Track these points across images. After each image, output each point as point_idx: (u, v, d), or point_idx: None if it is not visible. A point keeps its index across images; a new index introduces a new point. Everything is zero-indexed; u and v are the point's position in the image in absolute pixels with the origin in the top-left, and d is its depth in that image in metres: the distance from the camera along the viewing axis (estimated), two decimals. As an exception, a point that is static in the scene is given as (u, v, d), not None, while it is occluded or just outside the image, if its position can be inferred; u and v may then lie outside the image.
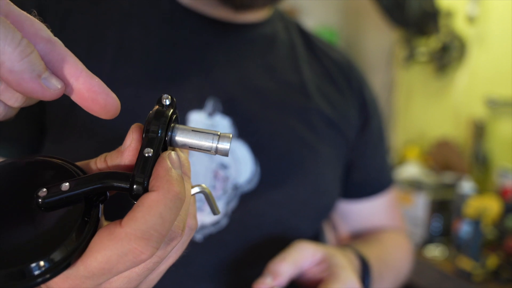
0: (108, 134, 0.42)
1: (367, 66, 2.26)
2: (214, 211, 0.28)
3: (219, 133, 0.24)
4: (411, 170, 1.73)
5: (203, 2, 0.48)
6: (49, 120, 0.44)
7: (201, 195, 0.42)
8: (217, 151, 0.24)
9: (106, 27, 0.46)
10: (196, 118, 0.44)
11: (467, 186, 1.47)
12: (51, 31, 0.22)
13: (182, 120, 0.44)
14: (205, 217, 0.44)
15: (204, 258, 0.44)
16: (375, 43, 2.26)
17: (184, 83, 0.45)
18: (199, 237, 0.43)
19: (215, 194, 0.44)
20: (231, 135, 0.24)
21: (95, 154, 0.25)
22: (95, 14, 0.46)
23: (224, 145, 0.24)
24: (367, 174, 0.57)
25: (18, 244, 0.20)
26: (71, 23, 0.45)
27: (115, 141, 0.26)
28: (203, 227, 0.44)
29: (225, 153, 0.24)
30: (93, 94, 0.22)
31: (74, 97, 0.22)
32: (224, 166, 0.45)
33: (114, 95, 0.22)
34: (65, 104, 0.43)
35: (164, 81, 0.45)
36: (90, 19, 0.45)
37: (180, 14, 0.48)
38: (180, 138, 0.24)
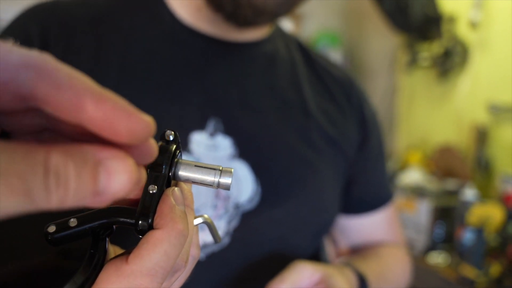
0: None
1: (369, 71, 2.26)
2: (216, 239, 0.29)
3: (221, 168, 0.25)
4: (413, 175, 1.73)
5: (205, 21, 0.49)
6: None
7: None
8: (219, 186, 0.25)
9: (108, 48, 0.46)
10: (198, 139, 0.45)
11: (470, 193, 1.47)
12: (55, 55, 0.17)
13: (184, 141, 0.45)
14: (208, 236, 0.44)
15: (206, 276, 0.44)
16: (378, 48, 2.26)
17: (185, 103, 0.46)
18: (201, 255, 0.44)
19: (217, 213, 0.45)
20: (232, 170, 0.25)
21: None
22: (97, 35, 0.47)
23: (225, 180, 0.25)
24: (367, 189, 0.58)
25: (28, 277, 0.22)
26: (74, 46, 0.46)
27: None
28: (205, 246, 0.44)
29: (227, 188, 0.25)
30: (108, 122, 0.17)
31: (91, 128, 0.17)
32: None
33: (139, 118, 0.18)
34: None
35: (165, 102, 0.46)
36: (93, 41, 0.46)
37: (181, 34, 0.49)
38: (183, 173, 0.25)
